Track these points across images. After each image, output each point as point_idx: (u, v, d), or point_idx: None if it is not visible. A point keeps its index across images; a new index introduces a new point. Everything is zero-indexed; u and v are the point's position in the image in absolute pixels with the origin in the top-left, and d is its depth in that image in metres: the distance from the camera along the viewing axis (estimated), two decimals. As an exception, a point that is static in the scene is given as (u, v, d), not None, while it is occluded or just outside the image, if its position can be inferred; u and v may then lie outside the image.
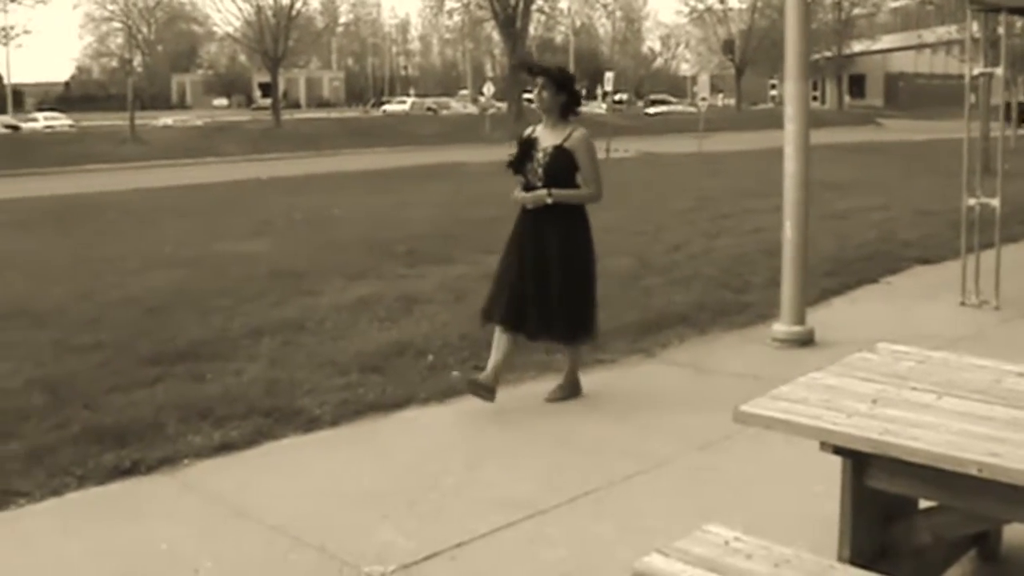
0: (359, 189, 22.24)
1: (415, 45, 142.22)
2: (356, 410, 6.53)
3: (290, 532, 4.85)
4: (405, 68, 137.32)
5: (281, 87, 70.08)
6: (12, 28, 63.07)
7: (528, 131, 6.90)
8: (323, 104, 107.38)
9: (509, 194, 6.83)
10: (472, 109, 77.87)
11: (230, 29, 68.20)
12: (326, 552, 4.64)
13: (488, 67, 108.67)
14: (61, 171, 34.56)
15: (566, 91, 6.72)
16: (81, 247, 14.38)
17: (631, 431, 6.28)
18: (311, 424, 6.32)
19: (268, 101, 72.28)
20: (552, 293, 6.65)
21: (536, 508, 5.06)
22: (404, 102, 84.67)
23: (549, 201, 6.60)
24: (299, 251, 12.67)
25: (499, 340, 6.76)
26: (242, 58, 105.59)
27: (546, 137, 6.71)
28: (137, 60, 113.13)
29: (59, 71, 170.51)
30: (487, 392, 6.61)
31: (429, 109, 79.09)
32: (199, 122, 64.47)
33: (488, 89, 63.91)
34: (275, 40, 62.00)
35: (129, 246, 14.08)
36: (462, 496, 5.27)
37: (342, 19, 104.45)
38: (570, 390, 6.94)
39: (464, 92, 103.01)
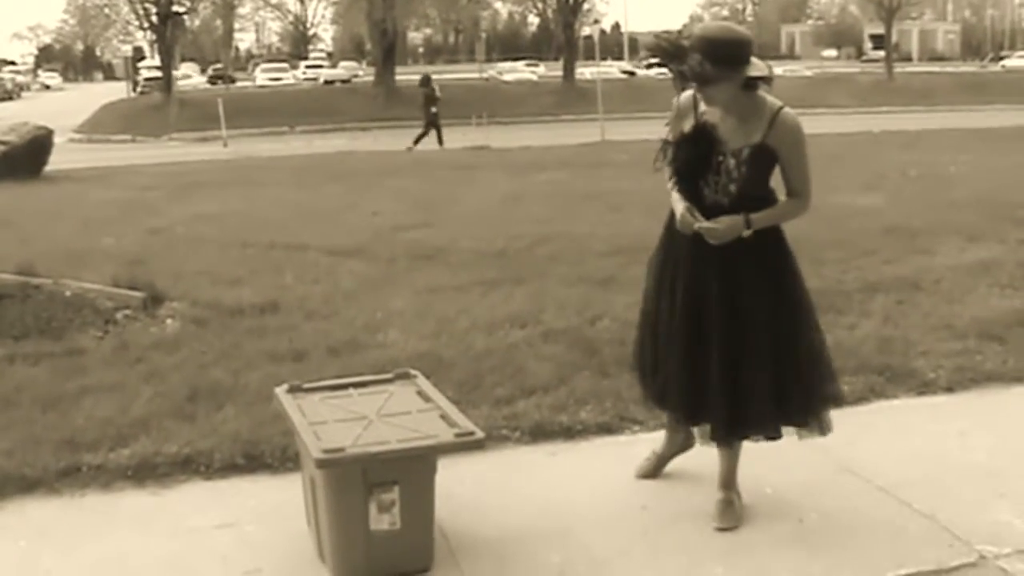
0: (977, 147, 21.09)
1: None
2: (972, 378, 6.20)
3: (898, 496, 4.71)
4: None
5: (893, 39, 68.23)
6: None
7: (686, 108, 4.44)
8: (936, 57, 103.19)
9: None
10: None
11: (843, -21, 67.48)
12: (936, 523, 4.45)
13: None
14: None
15: (740, 66, 4.20)
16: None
17: None
18: (924, 387, 6.09)
19: (879, 53, 70.81)
20: (758, 365, 4.38)
21: None
22: (1026, 57, 79.67)
23: (746, 235, 4.31)
24: (913, 208, 12.22)
25: (669, 429, 4.95)
26: (853, 8, 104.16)
27: (731, 130, 4.31)
28: (748, 10, 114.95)
29: (673, 20, 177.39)
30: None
31: (1056, 64, 73.65)
32: (808, 73, 64.47)
33: None
34: (889, -10, 60.60)
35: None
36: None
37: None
38: (740, 501, 4.66)
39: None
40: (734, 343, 4.36)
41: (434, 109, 29.29)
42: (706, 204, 4.36)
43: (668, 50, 4.19)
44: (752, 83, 4.27)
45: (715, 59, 4.12)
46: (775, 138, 4.27)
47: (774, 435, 4.56)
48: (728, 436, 4.55)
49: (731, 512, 4.57)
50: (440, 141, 28.62)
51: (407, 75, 58.62)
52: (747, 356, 4.37)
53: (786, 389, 4.42)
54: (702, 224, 4.32)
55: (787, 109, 4.32)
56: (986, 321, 7.20)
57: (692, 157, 4.35)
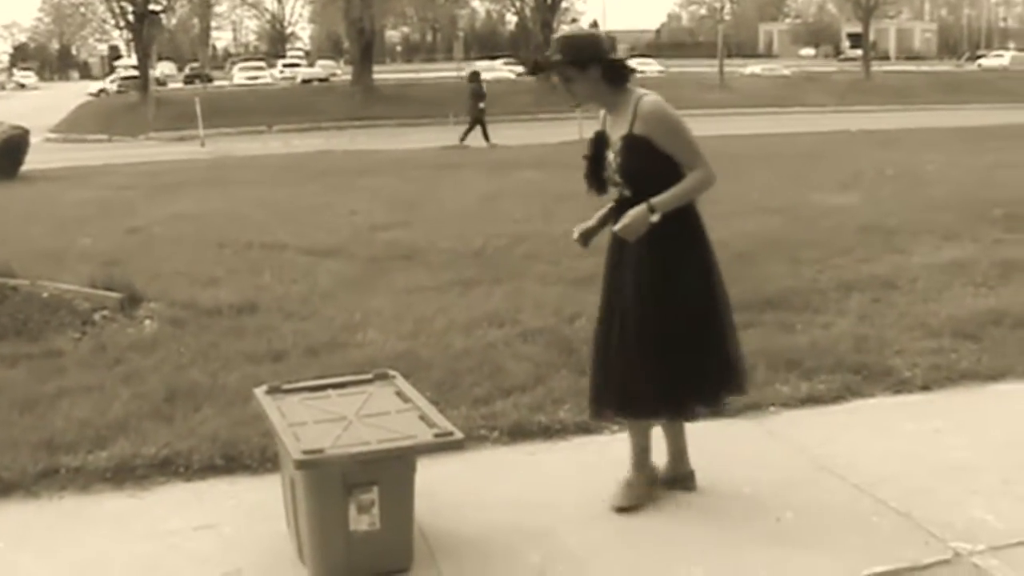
0: (952, 146, 21.24)
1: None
2: (947, 376, 6.24)
3: (874, 494, 4.74)
4: (1004, 20, 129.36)
5: (871, 38, 68.51)
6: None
7: (601, 121, 4.78)
8: (913, 56, 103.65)
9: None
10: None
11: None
12: (911, 520, 4.48)
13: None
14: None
15: (591, 60, 4.47)
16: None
17: None
18: (900, 385, 6.13)
19: (856, 52, 71.08)
20: (657, 344, 4.51)
21: None
22: (1002, 56, 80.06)
23: (655, 219, 4.42)
24: (889, 207, 12.29)
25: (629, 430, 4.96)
26: (830, 7, 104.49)
27: (612, 126, 4.61)
28: (726, 8, 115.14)
29: (651, 19, 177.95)
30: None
31: (1032, 63, 74.05)
32: (786, 71, 64.68)
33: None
34: (875, -12, 60.88)
35: (719, 190, 14.37)
36: (1067, 482, 4.86)
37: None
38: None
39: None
40: (622, 323, 4.58)
41: (482, 105, 29.28)
42: (621, 201, 4.61)
43: (532, 51, 4.56)
44: (613, 78, 4.50)
45: (560, 52, 4.50)
46: (641, 126, 4.45)
47: (644, 415, 4.73)
48: (618, 414, 4.89)
49: (630, 492, 4.74)
50: (487, 138, 28.59)
51: (385, 74, 58.52)
52: (623, 335, 4.56)
53: (652, 376, 4.54)
54: (619, 227, 4.48)
55: (648, 97, 4.49)
56: (961, 320, 7.25)
57: (592, 161, 4.67)
